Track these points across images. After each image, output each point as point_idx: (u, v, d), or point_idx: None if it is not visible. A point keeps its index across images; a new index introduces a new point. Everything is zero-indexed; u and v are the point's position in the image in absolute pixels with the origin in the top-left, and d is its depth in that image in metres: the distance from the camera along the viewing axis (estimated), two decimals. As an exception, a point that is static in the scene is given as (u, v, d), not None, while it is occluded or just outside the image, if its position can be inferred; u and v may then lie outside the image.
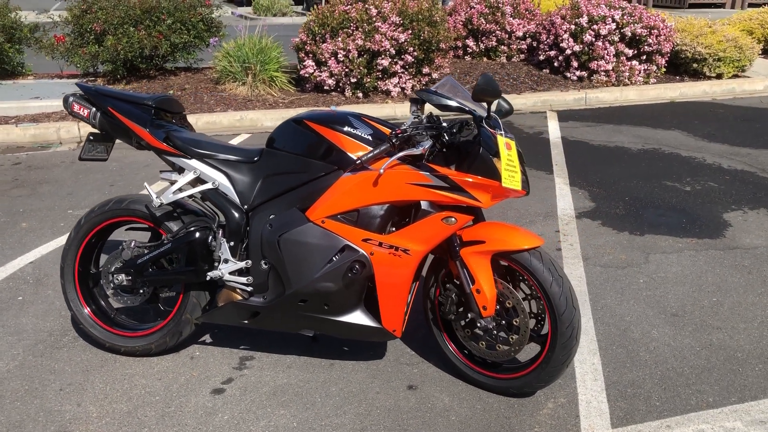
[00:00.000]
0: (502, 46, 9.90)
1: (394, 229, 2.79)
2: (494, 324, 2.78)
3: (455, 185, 2.61)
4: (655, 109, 8.46)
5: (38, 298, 3.67)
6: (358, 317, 2.83)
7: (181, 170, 2.98)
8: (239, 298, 2.94)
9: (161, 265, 3.00)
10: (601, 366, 3.09)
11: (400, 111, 7.98)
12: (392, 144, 2.63)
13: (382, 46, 7.95)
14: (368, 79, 8.13)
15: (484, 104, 2.64)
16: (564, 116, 8.08)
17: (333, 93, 8.40)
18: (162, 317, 3.10)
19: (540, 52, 9.49)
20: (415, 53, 8.18)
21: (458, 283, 2.83)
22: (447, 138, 2.68)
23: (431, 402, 2.85)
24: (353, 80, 8.13)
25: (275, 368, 3.07)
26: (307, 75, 8.32)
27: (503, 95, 3.27)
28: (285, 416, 2.75)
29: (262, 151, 2.95)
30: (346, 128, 2.77)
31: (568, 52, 9.00)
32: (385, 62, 8.06)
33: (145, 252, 3.00)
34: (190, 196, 2.97)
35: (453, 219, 2.66)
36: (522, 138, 7.12)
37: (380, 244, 2.71)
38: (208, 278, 2.89)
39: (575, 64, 9.07)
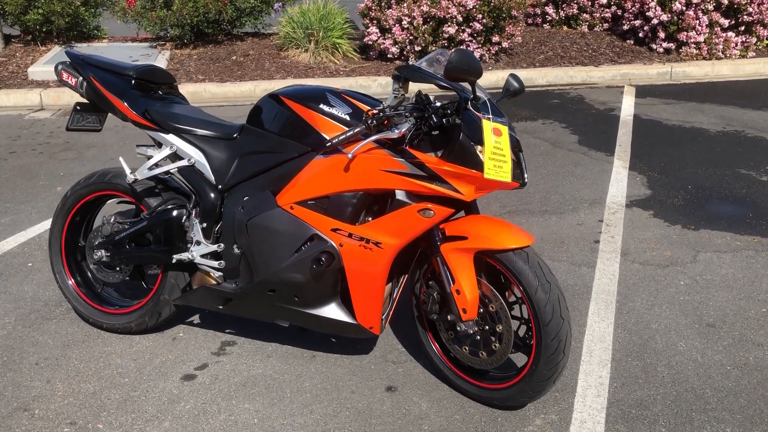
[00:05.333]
0: (584, 14, 9.24)
1: (369, 218, 2.55)
2: (476, 329, 2.50)
3: (433, 174, 2.33)
4: (750, 87, 7.67)
5: (46, 266, 3.66)
6: (331, 311, 2.63)
7: (160, 145, 2.85)
8: (213, 282, 2.79)
9: (140, 242, 2.90)
10: (608, 380, 2.76)
11: (463, 82, 7.61)
12: (367, 125, 2.37)
13: (449, 13, 7.58)
14: (433, 48, 7.78)
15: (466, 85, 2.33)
16: (642, 92, 7.46)
17: (397, 61, 8.12)
18: (145, 296, 3.01)
19: (624, 22, 8.80)
20: (484, 21, 7.75)
21: (441, 280, 2.56)
22: (435, 120, 2.38)
23: (407, 407, 2.62)
24: (417, 48, 7.82)
25: (254, 356, 2.92)
26: (370, 42, 8.07)
27: (514, 73, 2.92)
28: (248, 411, 2.60)
29: (242, 127, 2.77)
30: (321, 106, 2.54)
31: (655, 21, 8.28)
32: (451, 30, 7.69)
33: (125, 228, 2.90)
34: (166, 173, 2.83)
35: (431, 212, 2.38)
36: (590, 115, 6.62)
37: (350, 235, 2.47)
38: (175, 260, 2.75)
39: (662, 35, 8.34)
